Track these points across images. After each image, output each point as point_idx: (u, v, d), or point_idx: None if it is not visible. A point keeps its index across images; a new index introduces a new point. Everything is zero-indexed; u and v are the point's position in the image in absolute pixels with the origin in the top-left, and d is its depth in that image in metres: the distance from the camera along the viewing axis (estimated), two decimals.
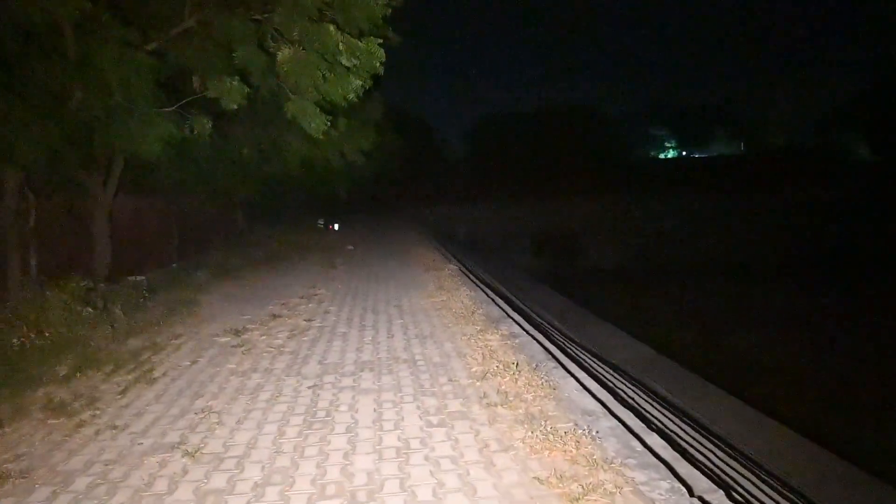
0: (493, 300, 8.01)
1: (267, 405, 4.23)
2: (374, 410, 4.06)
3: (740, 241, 23.20)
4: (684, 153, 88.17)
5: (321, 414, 4.03)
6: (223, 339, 6.21)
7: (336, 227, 21.46)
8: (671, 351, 8.21)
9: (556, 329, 7.89)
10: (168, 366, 5.32)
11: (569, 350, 6.07)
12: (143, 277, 10.09)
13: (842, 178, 46.13)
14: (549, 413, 3.82)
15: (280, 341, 6.06)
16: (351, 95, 7.95)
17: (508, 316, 6.95)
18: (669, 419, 4.57)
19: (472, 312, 7.02)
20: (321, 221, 21.68)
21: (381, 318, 7.02)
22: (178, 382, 4.87)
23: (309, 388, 4.59)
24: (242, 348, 5.81)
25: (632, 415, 3.87)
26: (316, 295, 8.71)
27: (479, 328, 6.22)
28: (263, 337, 6.25)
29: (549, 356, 5.20)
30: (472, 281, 9.91)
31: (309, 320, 6.98)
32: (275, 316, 7.22)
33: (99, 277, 9.78)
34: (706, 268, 16.40)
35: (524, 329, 6.23)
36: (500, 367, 4.74)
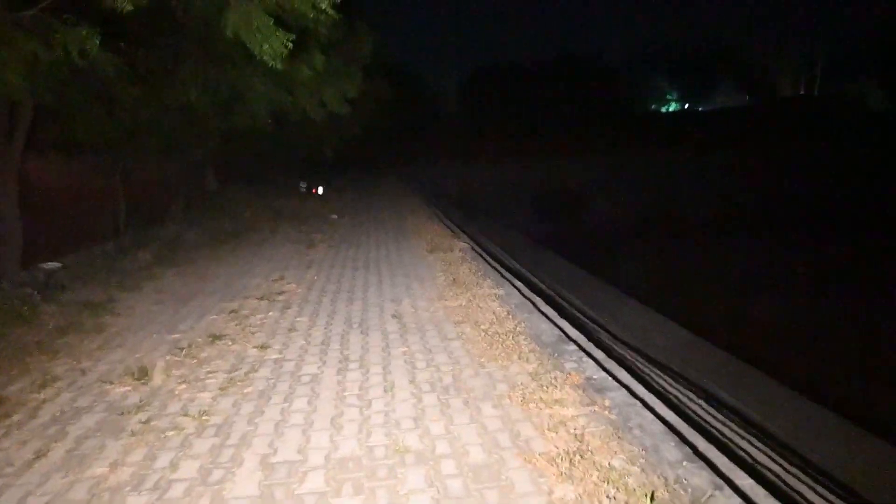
0: (531, 302, 5.64)
1: None
2: None
3: (750, 197, 21.14)
4: (686, 106, 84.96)
5: None
6: (116, 392, 3.82)
7: (320, 190, 18.86)
8: (694, 324, 6.08)
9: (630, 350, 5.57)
10: None
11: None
12: (59, 264, 7.63)
13: (855, 130, 43.55)
14: None
15: (206, 399, 3.68)
16: (324, 4, 5.36)
17: (568, 338, 4.59)
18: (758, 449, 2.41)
19: (511, 331, 4.67)
20: (303, 184, 19.04)
21: (374, 344, 4.65)
22: None
23: None
24: (137, 417, 3.43)
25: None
26: (282, 294, 6.30)
27: (532, 370, 3.87)
28: (182, 386, 3.87)
29: (694, 460, 2.86)
30: (491, 266, 7.52)
31: (262, 347, 4.58)
32: (214, 337, 4.81)
33: (8, 259, 7.37)
34: (714, 226, 14.45)
35: (608, 371, 3.88)
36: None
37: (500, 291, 6.02)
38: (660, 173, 32.75)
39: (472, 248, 8.83)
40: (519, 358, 4.12)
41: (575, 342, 4.52)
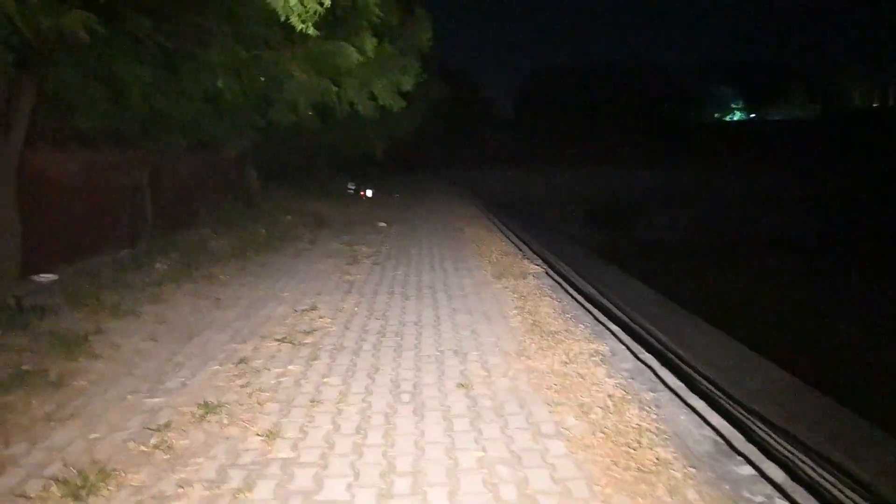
0: (650, 369, 3.98)
1: None
2: None
3: (823, 215, 18.98)
4: (752, 115, 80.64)
5: None
6: None
7: (369, 193, 17.59)
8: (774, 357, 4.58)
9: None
10: None
11: None
12: (55, 277, 6.45)
13: None
14: None
15: None
16: None
17: (732, 449, 2.93)
18: None
19: (638, 429, 3.05)
20: (351, 186, 17.83)
21: (432, 436, 3.09)
22: None
23: None
24: None
25: None
26: (311, 334, 4.84)
27: None
28: None
29: None
30: (576, 301, 5.89)
31: (270, 435, 3.10)
32: (206, 409, 3.36)
33: (3, 270, 6.27)
34: (781, 245, 12.95)
35: None
36: None
37: (603, 347, 4.39)
38: (723, 185, 30.23)
39: (547, 273, 7.21)
40: (670, 494, 2.50)
41: (745, 457, 2.86)
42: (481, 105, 56.12)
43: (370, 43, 7.79)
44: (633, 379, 3.82)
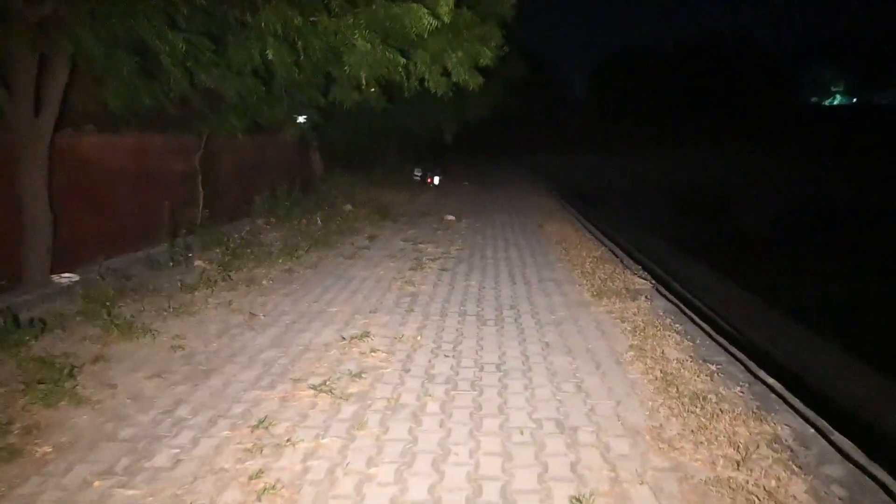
0: (884, 489, 2.51)
1: None
2: None
3: None
4: (855, 100, 73.28)
5: None
6: None
7: (436, 180, 16.37)
8: None
9: None
10: None
11: None
12: (76, 277, 5.61)
13: None
14: None
15: None
16: None
17: None
18: None
19: None
20: (418, 172, 16.65)
21: None
22: None
23: None
24: None
25: None
26: (357, 380, 3.62)
27: None
28: None
29: None
30: (716, 342, 4.40)
31: None
32: None
33: (28, 267, 5.53)
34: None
35: None
36: None
37: (782, 430, 2.94)
38: (825, 175, 26.91)
39: (658, 291, 5.72)
40: None
41: None
42: (555, 87, 53.59)
43: (446, 5, 6.48)
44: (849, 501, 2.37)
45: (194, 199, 8.58)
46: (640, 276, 6.23)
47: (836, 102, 74.85)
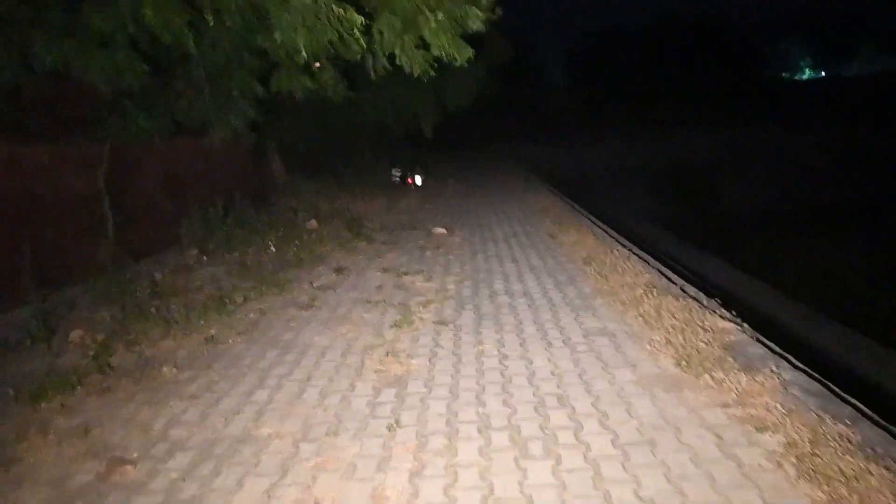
0: None
1: None
2: None
3: None
4: (823, 73, 72.92)
5: None
6: None
7: (418, 180, 14.29)
8: None
9: None
10: None
11: None
12: None
13: None
14: None
15: None
16: None
17: None
18: None
19: None
20: (396, 173, 14.54)
21: None
22: None
23: None
24: None
25: None
26: None
27: None
28: None
29: None
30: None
31: None
32: None
33: None
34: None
35: None
36: None
37: None
38: (800, 151, 25.41)
39: (770, 349, 3.75)
40: None
41: None
42: (533, 72, 51.56)
43: None
44: None
45: (98, 229, 6.43)
46: (726, 321, 4.24)
47: (804, 77, 74.52)
